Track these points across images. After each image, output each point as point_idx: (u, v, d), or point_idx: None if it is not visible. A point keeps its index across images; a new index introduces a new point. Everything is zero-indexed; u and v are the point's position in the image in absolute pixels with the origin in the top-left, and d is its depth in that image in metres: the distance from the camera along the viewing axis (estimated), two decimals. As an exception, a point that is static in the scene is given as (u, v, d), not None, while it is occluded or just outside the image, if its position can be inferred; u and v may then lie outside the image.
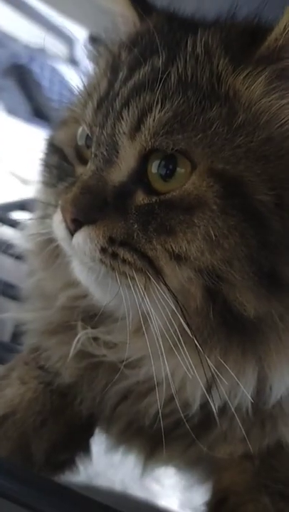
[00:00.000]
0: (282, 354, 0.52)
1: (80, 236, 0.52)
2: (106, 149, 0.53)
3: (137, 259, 0.50)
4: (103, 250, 0.51)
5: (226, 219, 0.48)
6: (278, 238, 0.48)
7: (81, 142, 0.62)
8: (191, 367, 0.50)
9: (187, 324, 0.49)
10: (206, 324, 0.50)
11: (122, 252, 0.51)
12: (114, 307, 0.58)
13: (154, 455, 0.66)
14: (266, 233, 0.48)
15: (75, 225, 0.52)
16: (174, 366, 0.52)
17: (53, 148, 0.67)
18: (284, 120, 0.50)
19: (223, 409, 0.56)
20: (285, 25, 0.48)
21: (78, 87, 0.65)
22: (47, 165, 0.68)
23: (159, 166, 0.51)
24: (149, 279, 0.50)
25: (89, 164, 0.56)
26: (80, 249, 0.52)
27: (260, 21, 0.56)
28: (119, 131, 0.53)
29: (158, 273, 0.50)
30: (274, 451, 0.61)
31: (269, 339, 0.51)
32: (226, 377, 0.51)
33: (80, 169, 0.61)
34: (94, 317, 0.62)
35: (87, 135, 0.60)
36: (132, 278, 0.51)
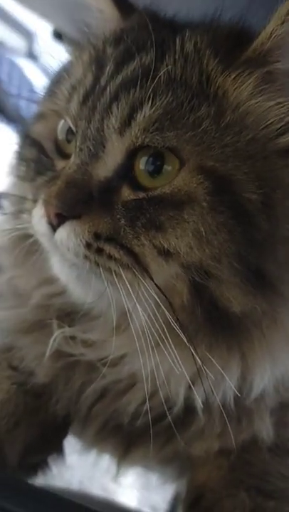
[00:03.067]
0: (264, 349, 0.53)
1: (63, 231, 0.51)
2: (92, 143, 0.53)
3: (123, 255, 0.50)
4: (88, 246, 0.50)
5: (215, 216, 0.49)
6: (264, 236, 0.49)
7: (62, 136, 0.61)
8: (178, 362, 0.50)
9: (177, 320, 0.50)
10: (192, 320, 0.51)
11: (108, 248, 0.50)
12: (94, 304, 0.58)
13: (128, 454, 0.66)
14: (253, 231, 0.49)
15: (58, 220, 0.51)
16: (159, 362, 0.53)
17: (31, 142, 0.66)
18: (269, 122, 0.51)
19: (203, 404, 0.57)
20: (272, 31, 0.49)
21: (59, 80, 0.64)
22: (23, 158, 0.66)
23: (146, 162, 0.52)
24: (135, 275, 0.50)
25: (73, 158, 0.55)
26: (64, 245, 0.51)
27: (244, 25, 0.57)
28: (107, 126, 0.52)
29: (144, 269, 0.50)
30: (249, 446, 0.62)
31: (253, 335, 0.52)
32: (211, 371, 0.52)
33: (60, 163, 0.60)
34: (70, 315, 0.62)
35: (68, 129, 0.59)
36: (118, 274, 0.50)
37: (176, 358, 0.50)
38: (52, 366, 0.62)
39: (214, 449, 0.62)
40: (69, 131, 0.59)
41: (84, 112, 0.55)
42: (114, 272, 0.50)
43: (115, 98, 0.52)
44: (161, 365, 0.53)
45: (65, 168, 0.55)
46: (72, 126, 0.57)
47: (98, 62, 0.57)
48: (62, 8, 1.50)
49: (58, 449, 0.69)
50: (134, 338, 0.52)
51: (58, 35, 1.78)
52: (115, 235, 0.51)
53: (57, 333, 0.60)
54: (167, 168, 0.51)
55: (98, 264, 0.51)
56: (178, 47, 0.54)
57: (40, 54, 3.57)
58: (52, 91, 0.65)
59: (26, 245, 0.61)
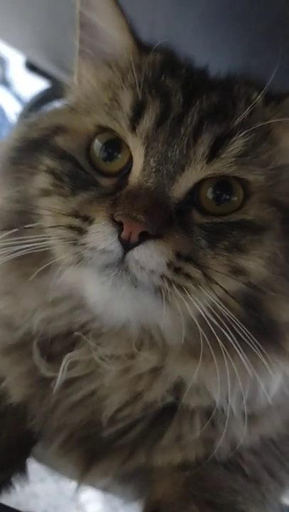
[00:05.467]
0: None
1: (146, 250, 0.51)
2: (173, 166, 0.56)
3: (200, 273, 0.53)
4: (168, 265, 0.52)
5: (283, 240, 0.57)
6: None
7: (100, 155, 0.61)
8: (219, 370, 0.55)
9: (244, 328, 0.53)
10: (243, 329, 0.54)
11: (187, 267, 0.53)
12: (123, 323, 0.60)
13: (90, 469, 0.68)
14: None
15: (140, 238, 0.51)
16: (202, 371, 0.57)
17: (61, 155, 0.63)
18: None
19: (186, 410, 0.62)
20: None
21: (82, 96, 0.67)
22: (50, 171, 0.62)
23: (214, 190, 0.58)
24: (203, 290, 0.53)
25: (142, 177, 0.56)
26: (140, 264, 0.52)
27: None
28: (194, 153, 0.56)
29: (211, 285, 0.54)
30: (205, 462, 0.64)
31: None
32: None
33: (104, 181, 0.60)
34: (65, 336, 0.64)
35: (101, 147, 0.61)
36: (191, 291, 0.53)
37: (216, 367, 0.55)
38: (27, 386, 0.65)
39: (176, 461, 0.65)
40: (103, 150, 0.61)
41: (161, 135, 0.57)
42: (187, 289, 0.52)
43: (199, 127, 0.57)
44: (205, 375, 0.58)
45: (130, 186, 0.56)
46: (135, 145, 0.58)
47: (157, 89, 0.61)
48: (36, 40, 1.55)
49: (21, 468, 0.71)
50: (168, 351, 0.59)
51: (31, 67, 1.84)
52: (193, 255, 0.54)
53: (65, 360, 0.62)
54: (233, 198, 0.58)
55: (171, 283, 0.52)
56: (241, 92, 0.63)
57: (13, 81, 3.61)
58: (68, 105, 0.68)
59: (25, 267, 0.60)
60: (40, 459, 0.77)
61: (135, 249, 0.52)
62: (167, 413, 0.64)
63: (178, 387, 0.61)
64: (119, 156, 0.60)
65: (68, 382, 0.63)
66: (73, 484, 0.75)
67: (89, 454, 0.67)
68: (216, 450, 0.63)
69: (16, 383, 0.66)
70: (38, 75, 1.79)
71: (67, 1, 0.66)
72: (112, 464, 0.66)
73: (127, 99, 0.60)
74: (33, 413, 0.66)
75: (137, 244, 0.51)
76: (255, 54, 0.66)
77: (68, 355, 0.62)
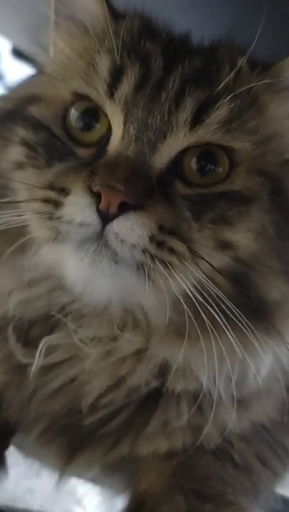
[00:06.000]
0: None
1: (126, 222, 0.48)
2: (154, 134, 0.53)
3: (185, 248, 0.50)
4: (151, 239, 0.49)
5: (272, 213, 0.55)
6: None
7: (78, 124, 0.58)
8: (206, 350, 0.53)
9: (232, 305, 0.50)
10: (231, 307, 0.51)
11: (170, 241, 0.49)
12: (105, 303, 0.57)
13: (73, 459, 0.65)
14: None
15: (119, 210, 0.48)
16: (187, 352, 0.55)
17: (35, 124, 0.59)
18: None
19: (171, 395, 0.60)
20: None
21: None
22: (23, 142, 0.59)
23: (198, 160, 0.55)
24: (188, 266, 0.50)
25: (122, 145, 0.53)
26: (120, 237, 0.48)
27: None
28: (177, 119, 0.53)
29: (196, 259, 0.51)
30: (193, 450, 0.62)
31: (277, 317, 0.56)
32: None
33: (82, 151, 0.57)
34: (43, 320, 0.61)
35: (78, 117, 0.58)
36: (176, 267, 0.50)
37: (203, 346, 0.53)
38: (3, 372, 0.63)
39: (163, 449, 0.63)
40: (80, 119, 0.58)
41: (141, 101, 0.54)
42: (171, 264, 0.49)
43: (181, 92, 0.54)
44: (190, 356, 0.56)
45: (109, 156, 0.53)
46: (113, 112, 0.55)
47: (136, 53, 0.57)
48: (22, 25, 1.52)
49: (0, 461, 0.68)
50: (152, 332, 0.56)
51: (18, 53, 1.79)
52: (176, 228, 0.50)
53: (42, 343, 0.59)
54: (218, 169, 0.55)
55: (154, 258, 0.49)
56: (226, 57, 0.60)
57: (5, 73, 3.58)
58: (44, 74, 0.65)
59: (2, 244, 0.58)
60: (25, 451, 0.75)
61: (114, 221, 0.48)
62: (152, 399, 0.61)
63: (163, 371, 0.58)
64: (97, 125, 0.57)
65: (47, 369, 0.60)
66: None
67: (71, 444, 0.64)
68: (204, 436, 0.60)
69: None
70: (25, 62, 1.75)
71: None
72: (96, 454, 0.63)
73: (104, 64, 0.57)
74: (10, 402, 0.63)
75: (116, 215, 0.48)
76: (240, 22, 0.62)
77: (46, 338, 0.59)
